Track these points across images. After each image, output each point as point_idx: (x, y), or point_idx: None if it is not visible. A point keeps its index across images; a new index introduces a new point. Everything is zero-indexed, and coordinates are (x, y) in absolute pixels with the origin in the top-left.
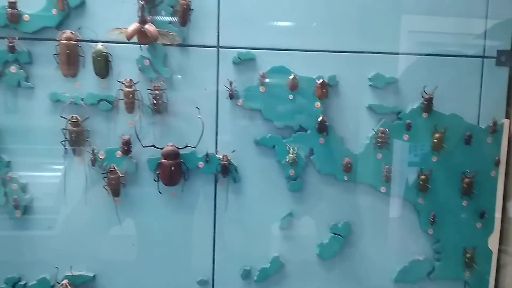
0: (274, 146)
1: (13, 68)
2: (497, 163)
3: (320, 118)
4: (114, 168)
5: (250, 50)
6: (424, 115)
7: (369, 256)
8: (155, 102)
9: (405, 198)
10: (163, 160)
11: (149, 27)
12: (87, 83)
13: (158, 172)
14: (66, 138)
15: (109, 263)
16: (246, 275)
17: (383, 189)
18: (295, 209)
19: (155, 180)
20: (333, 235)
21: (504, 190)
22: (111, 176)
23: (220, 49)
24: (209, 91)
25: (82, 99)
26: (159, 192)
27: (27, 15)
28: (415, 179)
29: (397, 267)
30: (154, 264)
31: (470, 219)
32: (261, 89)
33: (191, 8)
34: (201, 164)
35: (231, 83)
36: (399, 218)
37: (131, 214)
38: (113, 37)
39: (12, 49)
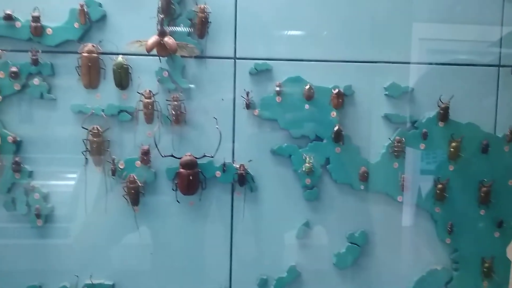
0: (290, 156)
1: (36, 80)
2: None
3: (336, 128)
4: (134, 178)
5: (267, 61)
6: (441, 124)
7: (386, 265)
8: (173, 112)
9: (422, 207)
10: (181, 170)
11: (169, 39)
12: (108, 94)
13: (176, 182)
14: (87, 148)
15: (128, 272)
16: (263, 284)
17: (399, 198)
18: (312, 218)
19: (173, 189)
20: (349, 244)
21: None
22: (131, 185)
23: (237, 60)
24: (226, 101)
25: (102, 110)
26: (177, 201)
27: (50, 29)
28: (432, 188)
29: (415, 277)
30: (171, 272)
31: (488, 228)
32: (278, 99)
33: (209, 21)
34: (218, 173)
35: (247, 94)
36: (416, 228)
37: (149, 223)
38: (133, 50)
39: (35, 62)
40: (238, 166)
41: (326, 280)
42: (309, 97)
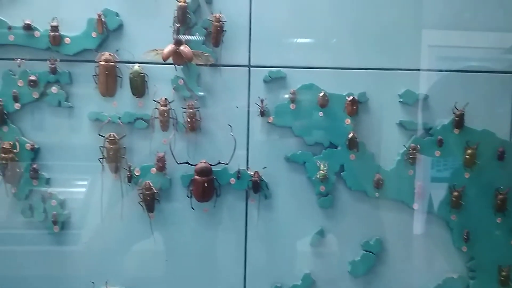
0: (304, 163)
1: (54, 89)
2: None
3: (350, 135)
4: (149, 185)
5: (281, 68)
6: (456, 131)
7: (402, 274)
8: (189, 120)
9: (437, 215)
10: (196, 177)
11: (184, 48)
12: (124, 102)
13: (191, 189)
14: (103, 155)
15: (143, 278)
16: None
17: (415, 205)
18: (326, 225)
19: (188, 196)
20: (364, 252)
21: None
22: (146, 192)
23: (251, 68)
24: (240, 109)
25: (119, 118)
26: (192, 208)
27: (68, 38)
28: (447, 195)
29: (431, 286)
30: (186, 279)
31: (504, 236)
32: (292, 106)
33: (224, 29)
34: (232, 180)
35: (262, 101)
36: (431, 235)
37: (164, 229)
38: (149, 58)
39: (53, 70)
40: (252, 173)
41: None
42: (323, 104)
